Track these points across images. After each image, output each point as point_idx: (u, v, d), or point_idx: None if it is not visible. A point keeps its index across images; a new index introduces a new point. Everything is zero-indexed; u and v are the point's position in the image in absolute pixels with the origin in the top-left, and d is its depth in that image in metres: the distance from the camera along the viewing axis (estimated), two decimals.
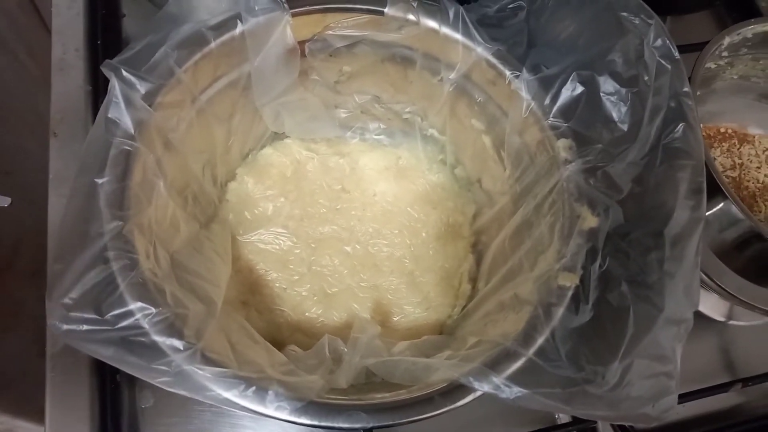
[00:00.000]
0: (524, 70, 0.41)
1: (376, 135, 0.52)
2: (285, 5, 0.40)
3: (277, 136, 0.51)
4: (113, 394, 0.45)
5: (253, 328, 0.44)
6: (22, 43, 0.85)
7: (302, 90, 0.46)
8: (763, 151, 0.57)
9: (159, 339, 0.31)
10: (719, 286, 0.42)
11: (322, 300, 0.46)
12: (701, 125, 0.57)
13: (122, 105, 0.35)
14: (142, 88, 0.37)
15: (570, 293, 0.36)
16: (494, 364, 0.33)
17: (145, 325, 0.31)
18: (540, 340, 0.34)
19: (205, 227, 0.45)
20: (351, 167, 0.51)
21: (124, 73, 0.36)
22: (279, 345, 0.44)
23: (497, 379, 0.33)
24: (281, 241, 0.48)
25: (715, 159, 0.56)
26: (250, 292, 0.46)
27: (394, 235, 0.49)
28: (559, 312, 0.35)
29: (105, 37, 0.56)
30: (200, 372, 0.31)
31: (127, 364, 0.31)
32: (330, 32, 0.43)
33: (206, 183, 0.45)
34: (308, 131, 0.50)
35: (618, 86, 0.39)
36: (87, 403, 0.43)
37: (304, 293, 0.46)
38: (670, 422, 0.52)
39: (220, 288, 0.39)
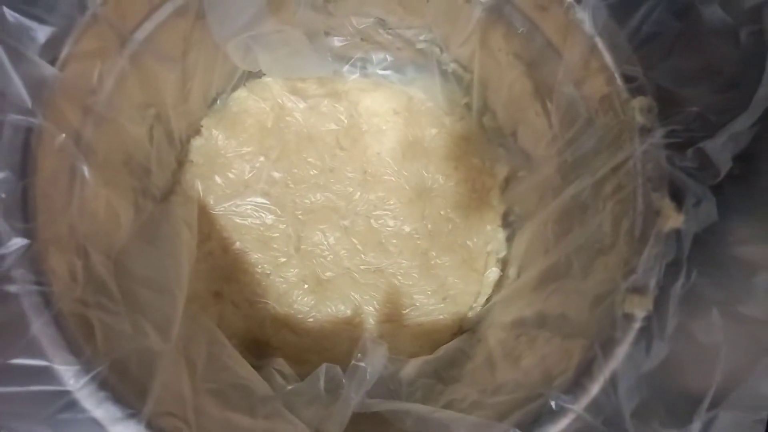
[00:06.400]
0: None
1: (381, 70, 0.42)
2: None
3: (253, 74, 0.40)
4: None
5: (229, 326, 0.36)
6: None
7: (277, 20, 0.34)
8: None
9: (88, 405, 0.23)
10: None
11: (314, 288, 0.38)
12: None
13: (8, 66, 0.25)
14: (40, 35, 0.26)
15: (639, 325, 0.26)
16: (530, 424, 0.25)
17: (69, 383, 0.23)
18: (595, 390, 0.26)
19: (163, 201, 0.36)
20: (349, 113, 0.40)
21: (8, 15, 0.25)
22: (262, 345, 0.37)
23: None
24: (262, 214, 0.38)
25: None
26: (225, 280, 0.37)
27: (404, 205, 0.39)
28: (623, 351, 0.26)
29: None
30: None
31: None
32: None
33: (159, 146, 0.35)
34: (292, 69, 0.39)
35: (730, 19, 0.27)
36: None
37: (292, 279, 0.38)
38: None
39: (176, 296, 0.30)
